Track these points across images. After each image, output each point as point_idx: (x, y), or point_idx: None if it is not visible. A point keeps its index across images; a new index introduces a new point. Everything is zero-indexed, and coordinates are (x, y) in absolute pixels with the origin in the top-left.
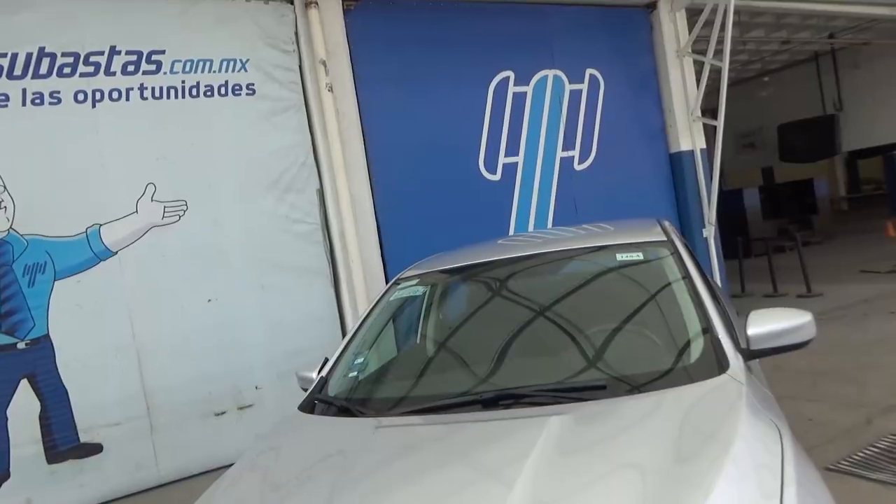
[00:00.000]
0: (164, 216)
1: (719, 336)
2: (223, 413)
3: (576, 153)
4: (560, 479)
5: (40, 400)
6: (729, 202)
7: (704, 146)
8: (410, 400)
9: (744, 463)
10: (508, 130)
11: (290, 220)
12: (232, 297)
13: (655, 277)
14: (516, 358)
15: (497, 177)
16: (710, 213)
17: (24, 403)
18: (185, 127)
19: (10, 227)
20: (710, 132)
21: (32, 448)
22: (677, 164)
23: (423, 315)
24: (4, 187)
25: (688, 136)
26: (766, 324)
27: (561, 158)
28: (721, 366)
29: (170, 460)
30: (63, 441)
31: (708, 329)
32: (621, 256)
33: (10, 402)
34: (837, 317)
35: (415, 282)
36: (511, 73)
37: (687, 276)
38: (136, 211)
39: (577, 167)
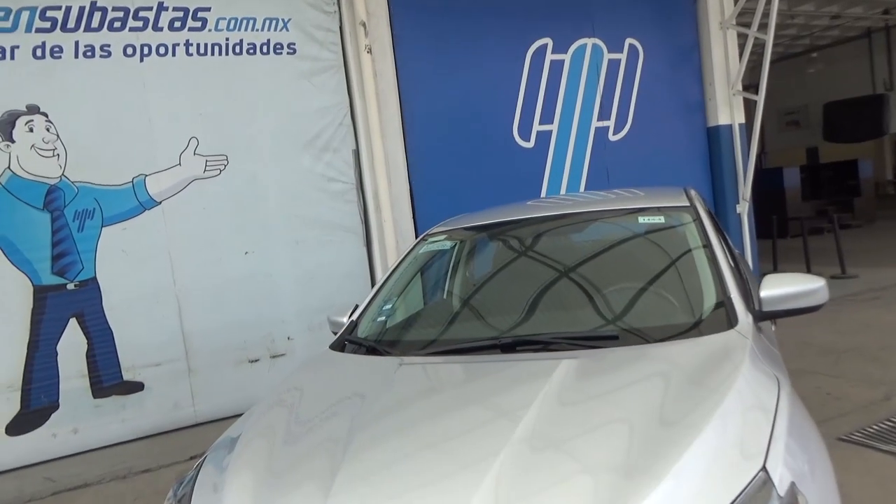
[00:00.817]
0: (205, 170)
1: (731, 296)
2: (256, 360)
3: (611, 123)
4: (563, 418)
5: (87, 338)
6: (768, 181)
7: (743, 121)
8: (434, 343)
9: (736, 412)
10: (544, 98)
11: (325, 179)
12: (268, 251)
13: (675, 240)
14: (536, 310)
15: (531, 144)
16: (745, 190)
17: (73, 341)
18: (227, 84)
19: (63, 175)
20: (749, 108)
21: (80, 382)
22: (714, 139)
23: (450, 269)
24: (57, 136)
25: (727, 111)
26: (779, 287)
27: (596, 128)
28: (730, 322)
29: (205, 402)
30: (108, 378)
31: (721, 289)
32: (643, 219)
33: (59, 338)
34: (870, 299)
35: (443, 237)
36: (549, 41)
37: (706, 241)
38: (180, 164)
39: (612, 137)
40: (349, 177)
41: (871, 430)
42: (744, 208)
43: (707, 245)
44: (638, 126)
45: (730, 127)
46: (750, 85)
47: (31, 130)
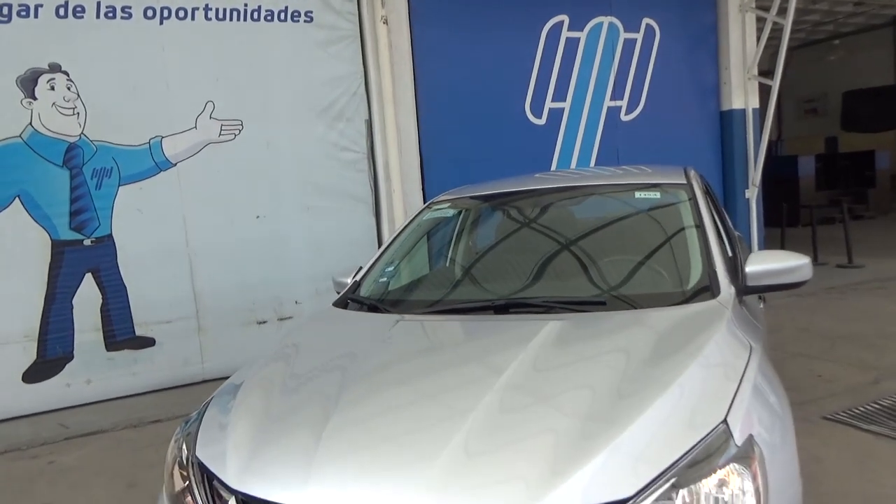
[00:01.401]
0: (220, 134)
1: (716, 269)
2: (264, 322)
3: (623, 103)
4: (543, 372)
5: (102, 293)
6: (782, 169)
7: (758, 106)
8: (432, 303)
9: (705, 371)
10: (558, 75)
11: (338, 148)
12: (279, 216)
13: (669, 216)
14: (531, 276)
15: (542, 121)
16: (755, 175)
17: (88, 295)
18: (244, 49)
19: (82, 133)
20: (764, 93)
21: (94, 335)
22: (727, 123)
23: (453, 236)
24: (78, 95)
25: (741, 95)
26: (764, 263)
27: (608, 107)
28: (713, 293)
29: (214, 359)
30: (121, 332)
31: (707, 263)
32: (640, 195)
33: (75, 292)
34: (874, 288)
35: (447, 205)
36: (566, 18)
37: (698, 217)
38: (196, 127)
39: (624, 118)
40: (361, 146)
41: (856, 411)
42: (753, 193)
43: (699, 222)
44: (651, 107)
45: (743, 112)
46: (768, 71)
47: (53, 88)
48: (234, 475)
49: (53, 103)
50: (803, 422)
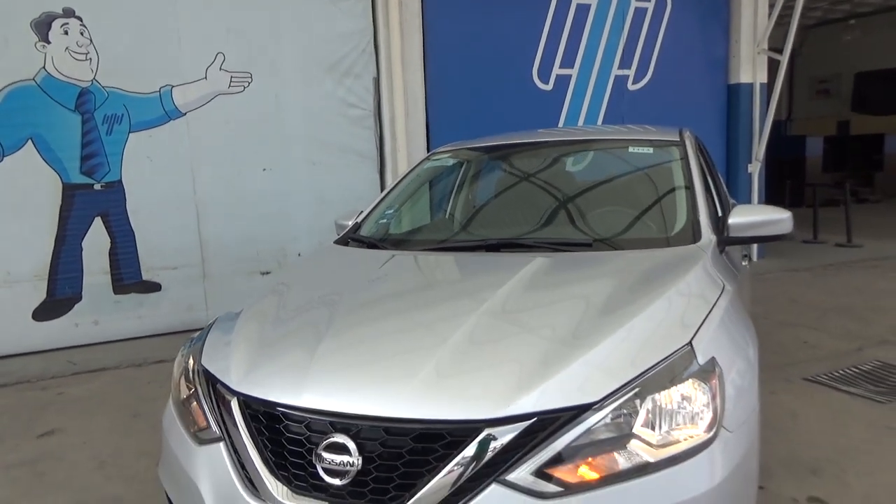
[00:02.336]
0: (230, 85)
1: (699, 218)
2: (268, 272)
3: (631, 72)
4: (526, 297)
5: (111, 237)
6: (790, 148)
7: (766, 81)
8: (428, 241)
9: (676, 301)
10: (567, 42)
11: (345, 104)
12: (285, 169)
13: (660, 170)
14: (525, 221)
15: (549, 87)
16: (759, 149)
17: (97, 239)
18: (256, 2)
19: (94, 79)
20: (774, 70)
21: (102, 278)
22: (734, 96)
23: (451, 184)
24: (91, 40)
25: (750, 69)
26: (746, 215)
27: (615, 76)
28: (694, 239)
29: (217, 306)
30: (128, 276)
31: (692, 213)
32: (633, 150)
33: (85, 235)
34: (869, 266)
35: (447, 155)
36: None
37: (687, 172)
38: (206, 77)
39: (631, 87)
40: (368, 103)
41: (837, 374)
42: (755, 168)
43: (688, 177)
44: (658, 77)
45: (751, 86)
46: (780, 48)
47: (66, 33)
48: (236, 380)
49: (67, 48)
50: (784, 382)
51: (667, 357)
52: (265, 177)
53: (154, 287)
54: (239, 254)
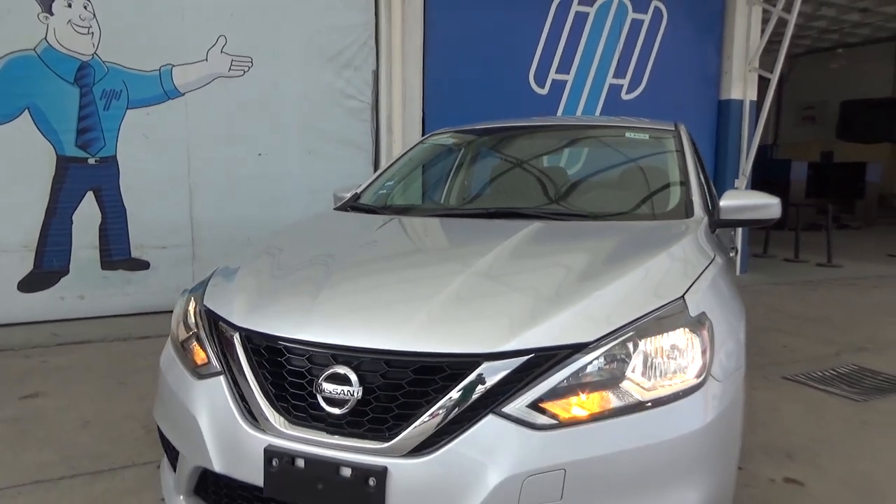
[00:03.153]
0: (230, 68)
1: (692, 198)
2: None
3: (625, 82)
4: (522, 256)
5: (102, 212)
6: (775, 171)
7: (755, 98)
8: (426, 209)
9: (667, 262)
10: (564, 48)
11: (343, 95)
12: (280, 156)
13: (654, 153)
14: (522, 197)
15: (545, 91)
16: (746, 165)
17: (88, 213)
18: None
19: (95, 53)
20: (762, 90)
21: (90, 253)
22: (724, 111)
23: (450, 162)
24: (94, 15)
25: (741, 86)
26: (737, 199)
27: (610, 84)
28: (686, 214)
29: None
30: (117, 252)
31: (685, 191)
32: (630, 135)
33: (76, 209)
34: (848, 284)
35: (447, 135)
36: None
37: (682, 158)
38: (206, 59)
39: (625, 96)
40: (366, 96)
41: (815, 375)
42: (742, 183)
43: (682, 161)
44: (651, 88)
45: (741, 102)
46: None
47: (70, 6)
48: (238, 318)
49: (69, 20)
50: (763, 379)
51: (660, 307)
52: (260, 162)
53: (143, 265)
54: (230, 236)
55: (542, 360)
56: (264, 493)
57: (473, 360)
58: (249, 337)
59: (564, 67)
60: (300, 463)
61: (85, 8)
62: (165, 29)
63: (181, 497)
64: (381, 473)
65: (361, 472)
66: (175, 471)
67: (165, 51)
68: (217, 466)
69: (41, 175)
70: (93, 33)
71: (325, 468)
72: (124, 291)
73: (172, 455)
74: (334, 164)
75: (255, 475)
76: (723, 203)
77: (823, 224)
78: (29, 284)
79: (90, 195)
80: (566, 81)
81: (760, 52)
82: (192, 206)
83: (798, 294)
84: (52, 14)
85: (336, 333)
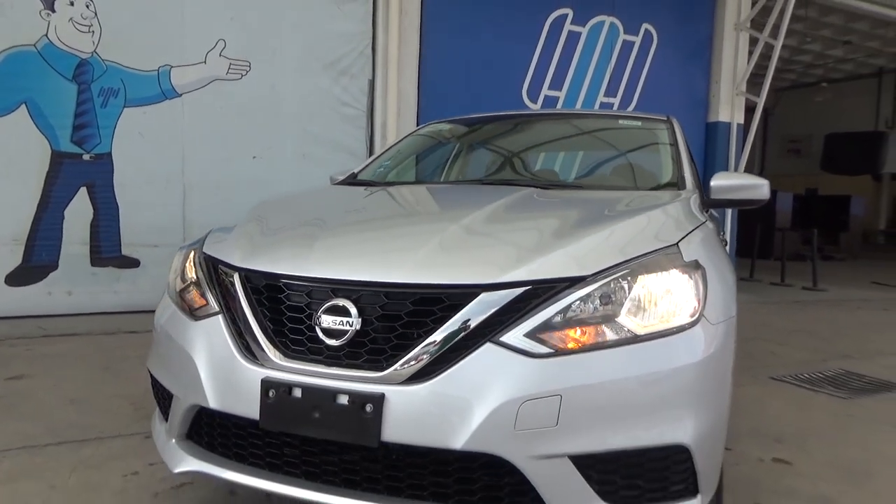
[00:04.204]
0: (228, 72)
1: (685, 175)
2: None
3: (616, 101)
4: (521, 209)
5: (94, 209)
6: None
7: (742, 122)
8: (421, 181)
9: (660, 217)
10: (556, 65)
11: (340, 102)
12: (275, 159)
13: (648, 137)
14: (520, 169)
15: (537, 106)
16: None
17: (80, 210)
18: None
19: (94, 51)
20: (749, 116)
21: (80, 249)
22: (712, 134)
23: (447, 149)
24: (95, 13)
25: (728, 109)
26: (727, 179)
27: (601, 103)
28: (678, 188)
29: None
30: (107, 250)
31: (677, 171)
32: (623, 122)
33: (68, 204)
34: (834, 304)
35: (443, 124)
36: (570, 12)
37: (674, 141)
38: (205, 62)
39: None
40: (362, 104)
41: (802, 377)
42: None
43: (674, 144)
44: (641, 108)
45: (728, 125)
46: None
47: (72, 4)
48: (238, 259)
49: (70, 18)
50: (751, 378)
51: (656, 249)
52: (255, 164)
53: (133, 263)
54: None
55: (540, 292)
56: (260, 424)
57: (472, 291)
58: (249, 277)
59: (557, 84)
60: (297, 393)
61: (87, 7)
62: (166, 30)
63: (173, 441)
64: (379, 399)
65: (358, 398)
66: (167, 420)
67: (165, 51)
68: (213, 402)
69: (35, 169)
70: (93, 32)
71: (321, 396)
72: (113, 289)
73: (165, 404)
74: (328, 169)
75: (250, 408)
76: (713, 183)
77: (808, 255)
78: (17, 278)
79: (83, 191)
80: (558, 98)
81: (747, 78)
82: (185, 206)
83: (785, 312)
84: (53, 11)
85: (336, 268)
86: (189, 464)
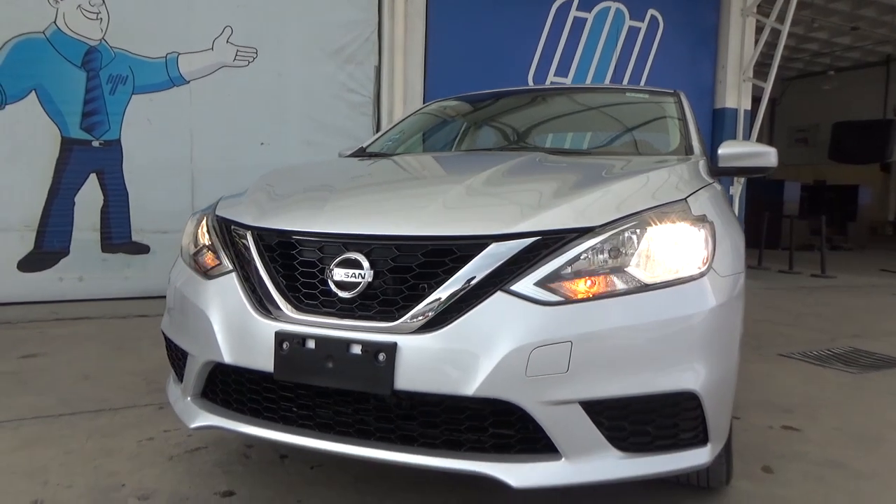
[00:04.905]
0: (235, 58)
1: (692, 143)
2: None
3: None
4: (519, 173)
5: (104, 195)
6: (768, 192)
7: (749, 108)
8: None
9: (667, 174)
10: (562, 51)
11: (345, 89)
12: (281, 146)
13: (656, 109)
14: (526, 140)
15: None
16: None
17: (91, 196)
18: None
19: (103, 38)
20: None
21: (91, 235)
22: (719, 121)
23: (458, 125)
24: (103, 1)
25: (735, 95)
26: (735, 147)
27: None
28: (686, 153)
29: None
30: (118, 236)
31: (685, 140)
32: (631, 95)
33: (78, 190)
34: (842, 290)
35: (451, 100)
36: None
37: (682, 114)
38: (212, 49)
39: None
40: (368, 90)
41: (810, 354)
42: (737, 190)
43: (682, 116)
44: None
45: (735, 111)
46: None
47: None
48: (251, 218)
49: (79, 6)
50: (759, 356)
51: (665, 203)
52: (262, 151)
53: (143, 249)
54: None
55: (549, 243)
56: (274, 376)
57: (482, 242)
58: (261, 235)
59: (563, 70)
60: (310, 344)
61: None
62: (173, 17)
63: (188, 398)
64: (391, 348)
65: (371, 347)
66: (182, 381)
67: (172, 39)
68: (227, 357)
69: (45, 156)
70: (101, 19)
71: (335, 347)
72: (124, 275)
73: (179, 365)
74: (334, 156)
75: (265, 361)
76: (721, 151)
77: (816, 245)
78: (29, 264)
79: (93, 177)
80: (564, 84)
81: (754, 64)
82: (193, 192)
83: (794, 296)
84: None
85: (348, 224)
86: (205, 419)
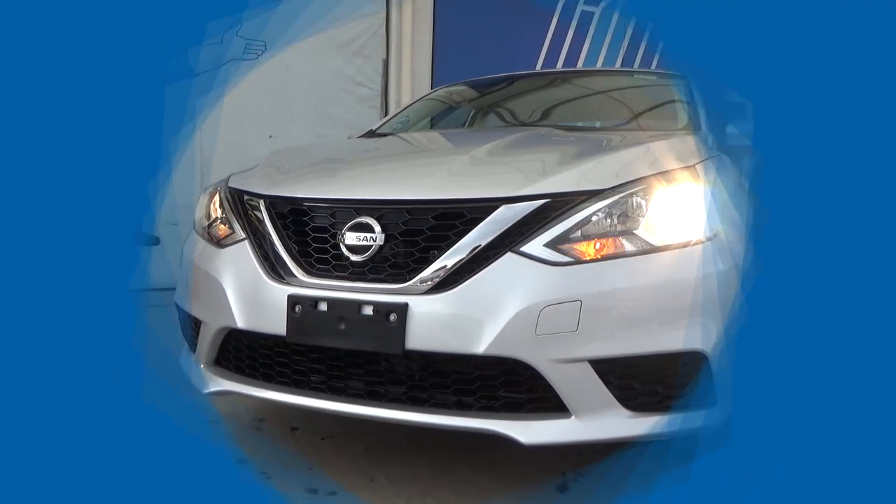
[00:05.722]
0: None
1: (700, 121)
2: None
3: None
4: (527, 144)
5: None
6: None
7: None
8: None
9: (673, 143)
10: (570, 45)
11: (353, 82)
12: (290, 139)
13: (663, 90)
14: (533, 119)
15: None
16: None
17: None
18: None
19: None
20: None
21: None
22: None
23: (467, 108)
24: None
25: None
26: None
27: None
28: (694, 129)
29: None
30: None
31: (693, 116)
32: (638, 76)
33: None
34: None
35: (459, 85)
36: None
37: (689, 93)
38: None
39: None
40: (376, 84)
41: None
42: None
43: (690, 101)
44: None
45: None
46: None
47: None
48: (263, 188)
49: None
50: None
51: (670, 169)
52: (270, 144)
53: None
54: None
55: (559, 205)
56: (287, 338)
57: (492, 204)
58: (274, 203)
59: (570, 64)
60: (322, 306)
61: None
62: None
63: (202, 366)
64: (402, 308)
65: (383, 308)
66: (195, 351)
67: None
68: (240, 322)
69: None
70: None
71: (346, 308)
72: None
73: (192, 335)
74: None
75: (277, 325)
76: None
77: None
78: None
79: None
80: None
81: None
82: (202, 184)
83: None
84: None
85: (359, 189)
86: (218, 384)
